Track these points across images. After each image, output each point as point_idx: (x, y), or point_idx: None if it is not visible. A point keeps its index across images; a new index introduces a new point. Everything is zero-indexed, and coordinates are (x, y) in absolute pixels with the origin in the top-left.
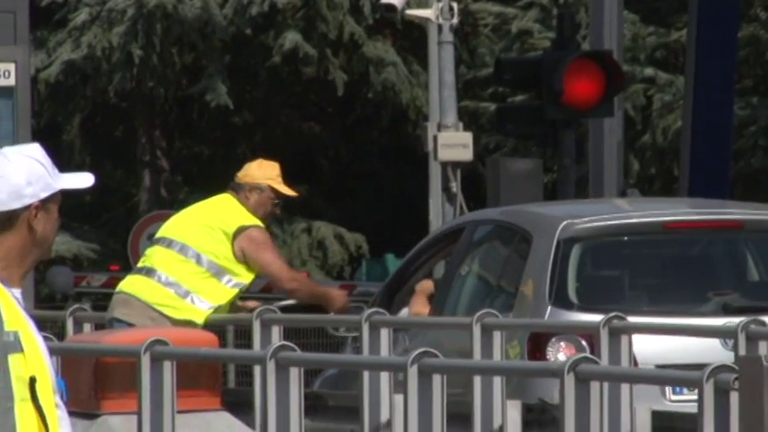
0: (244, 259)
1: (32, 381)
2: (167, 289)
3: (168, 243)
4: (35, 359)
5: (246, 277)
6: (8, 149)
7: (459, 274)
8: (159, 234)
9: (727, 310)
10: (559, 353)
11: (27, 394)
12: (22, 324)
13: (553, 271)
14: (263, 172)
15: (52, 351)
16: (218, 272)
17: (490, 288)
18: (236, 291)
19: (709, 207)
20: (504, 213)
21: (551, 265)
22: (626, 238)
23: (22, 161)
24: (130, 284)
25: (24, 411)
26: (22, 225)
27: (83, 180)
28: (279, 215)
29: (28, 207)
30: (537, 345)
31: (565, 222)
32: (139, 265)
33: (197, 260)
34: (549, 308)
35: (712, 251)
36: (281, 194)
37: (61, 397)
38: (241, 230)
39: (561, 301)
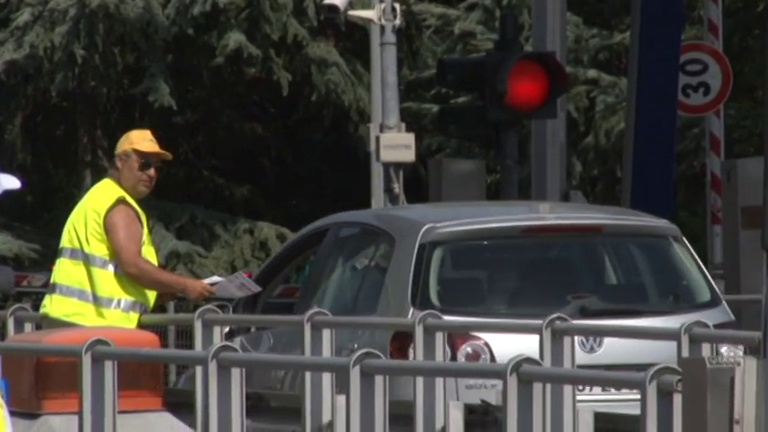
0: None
1: None
2: (70, 298)
3: (61, 252)
4: None
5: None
6: None
7: (324, 275)
8: (59, 246)
9: (584, 313)
10: (462, 357)
11: None
12: None
13: (415, 274)
14: (129, 139)
15: None
16: (102, 262)
17: (354, 289)
18: (125, 277)
19: (570, 211)
20: (368, 216)
21: (413, 268)
22: (486, 242)
23: None
24: (45, 306)
25: None
26: None
27: (6, 182)
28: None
29: None
30: (400, 345)
31: (427, 226)
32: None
33: (84, 259)
34: (411, 309)
35: (572, 255)
36: (146, 154)
37: (2, 397)
38: (107, 214)
39: (423, 303)
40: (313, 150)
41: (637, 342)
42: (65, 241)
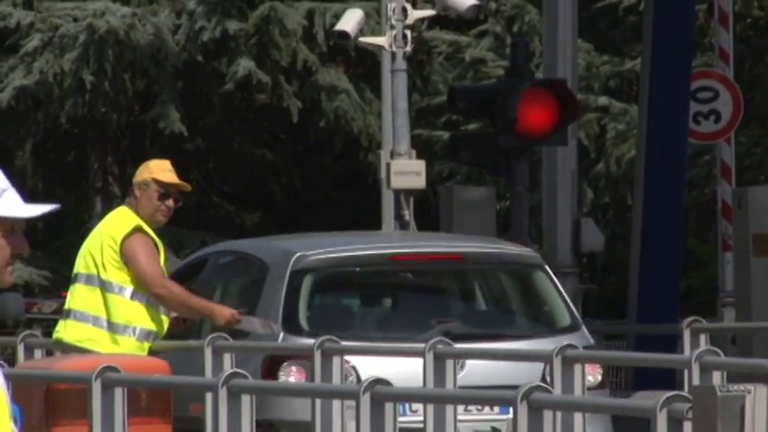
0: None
1: None
2: (84, 324)
3: (76, 278)
4: None
5: (144, 287)
6: None
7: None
8: (73, 272)
9: (448, 337)
10: (290, 376)
11: None
12: None
13: (286, 300)
14: (149, 169)
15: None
16: (119, 289)
17: None
18: (144, 305)
19: (435, 240)
20: (244, 245)
21: (284, 294)
22: (354, 269)
23: None
24: (58, 332)
25: None
26: None
27: (21, 210)
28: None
29: None
30: (270, 367)
31: (297, 254)
32: (63, 308)
33: (100, 284)
34: (282, 334)
35: (437, 282)
36: (165, 185)
37: (15, 423)
38: (124, 240)
39: (293, 327)
40: (323, 177)
41: (498, 364)
42: (80, 267)
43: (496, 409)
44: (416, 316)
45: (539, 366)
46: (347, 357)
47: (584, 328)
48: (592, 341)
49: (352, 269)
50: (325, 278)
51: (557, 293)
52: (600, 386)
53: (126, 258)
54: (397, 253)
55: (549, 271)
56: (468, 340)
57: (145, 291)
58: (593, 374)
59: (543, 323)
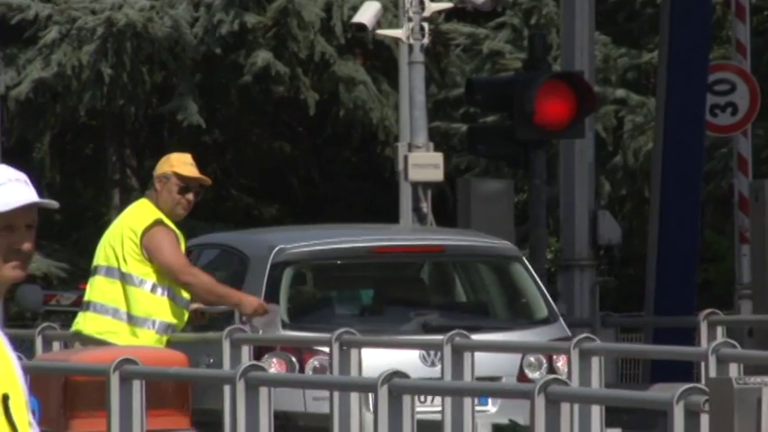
0: (151, 260)
1: (5, 398)
2: (104, 316)
3: (96, 270)
4: (7, 377)
5: (165, 280)
6: None
7: None
8: (92, 264)
9: (426, 329)
10: (271, 368)
11: (0, 411)
12: None
13: (267, 292)
14: (170, 162)
15: (25, 370)
16: (140, 281)
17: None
18: (165, 298)
19: (415, 233)
20: (226, 237)
21: (265, 287)
22: (335, 262)
23: None
24: (78, 323)
25: None
26: None
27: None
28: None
29: None
30: (255, 358)
31: (278, 247)
32: (83, 300)
33: (121, 277)
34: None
35: (417, 274)
36: (186, 179)
37: (33, 415)
38: (145, 232)
39: None
40: (341, 169)
41: (478, 356)
42: (100, 259)
43: (476, 400)
44: (396, 308)
45: (516, 358)
46: (325, 349)
47: (561, 319)
48: (568, 333)
49: (332, 262)
50: (306, 271)
51: (534, 286)
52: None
53: (149, 250)
54: (378, 246)
55: (527, 263)
56: (446, 332)
57: (171, 281)
58: (566, 365)
59: (521, 315)
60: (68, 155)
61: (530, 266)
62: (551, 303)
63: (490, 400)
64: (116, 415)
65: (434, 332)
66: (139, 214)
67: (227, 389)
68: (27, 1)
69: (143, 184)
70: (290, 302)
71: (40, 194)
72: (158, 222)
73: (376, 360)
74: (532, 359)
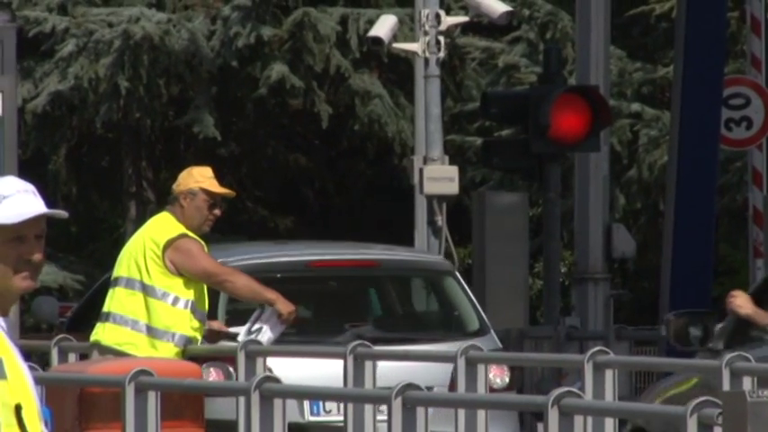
0: (177, 272)
1: (18, 408)
2: (123, 327)
3: (116, 282)
4: (20, 387)
5: (187, 293)
6: None
7: None
8: (112, 276)
9: (360, 340)
10: (210, 377)
11: (13, 421)
12: (6, 351)
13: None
14: (194, 177)
15: (37, 380)
16: (161, 294)
17: None
18: (186, 311)
19: (351, 248)
20: None
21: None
22: (275, 275)
23: None
24: (96, 334)
25: None
26: None
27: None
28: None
29: None
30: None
31: (218, 261)
32: (101, 311)
33: (142, 289)
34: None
35: (352, 287)
36: (214, 194)
37: (46, 425)
38: (169, 244)
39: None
40: (356, 182)
41: (409, 366)
42: (120, 271)
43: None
44: (332, 321)
45: (448, 368)
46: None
47: (492, 332)
48: (499, 344)
49: (271, 275)
50: None
51: (466, 299)
52: (508, 388)
53: (178, 262)
54: (315, 260)
55: (460, 278)
56: (381, 344)
57: (195, 293)
58: (501, 377)
59: (453, 327)
60: (84, 167)
61: (462, 281)
62: (483, 316)
63: (322, 410)
64: (131, 426)
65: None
66: (162, 228)
67: (241, 400)
68: (44, 14)
69: (159, 197)
70: (227, 314)
71: (56, 206)
72: (183, 236)
73: (311, 371)
74: None
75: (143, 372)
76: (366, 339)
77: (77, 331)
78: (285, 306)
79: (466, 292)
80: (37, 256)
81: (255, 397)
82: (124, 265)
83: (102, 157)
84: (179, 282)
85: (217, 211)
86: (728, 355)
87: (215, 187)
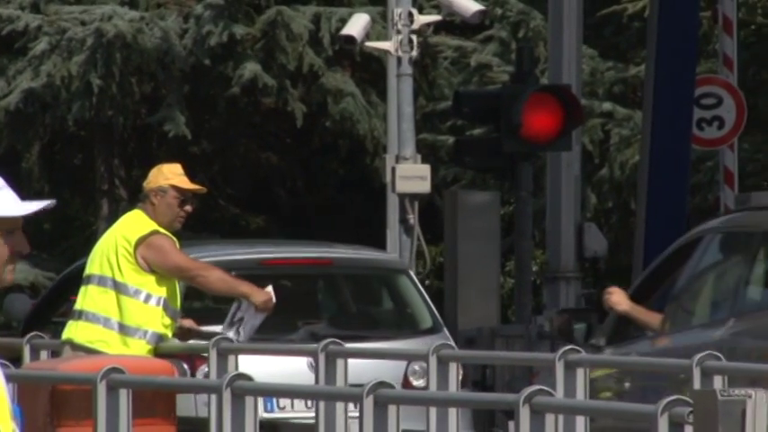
0: (150, 269)
1: None
2: (95, 325)
3: (88, 279)
4: None
5: (159, 290)
6: None
7: None
8: (84, 273)
9: (314, 338)
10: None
11: None
12: None
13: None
14: (164, 174)
15: (8, 378)
16: (134, 291)
17: None
18: (158, 309)
19: (304, 246)
20: None
21: None
22: (230, 273)
23: None
24: (68, 332)
25: None
26: None
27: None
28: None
29: None
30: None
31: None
32: (72, 309)
33: (114, 286)
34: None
35: (306, 285)
36: (184, 191)
37: (15, 422)
38: (140, 241)
39: None
40: (328, 181)
41: (364, 363)
42: (92, 269)
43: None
44: (286, 318)
45: (401, 365)
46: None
47: (445, 329)
48: (452, 343)
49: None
50: None
51: (419, 297)
52: (462, 385)
53: (150, 259)
54: (268, 258)
55: (413, 276)
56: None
57: (167, 290)
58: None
59: (406, 325)
60: (57, 165)
61: (415, 279)
62: (436, 314)
63: (276, 407)
64: (103, 424)
65: (321, 341)
66: (134, 225)
67: (213, 398)
68: (17, 12)
69: (131, 195)
70: (184, 312)
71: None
72: (155, 232)
73: (273, 367)
74: (417, 367)
75: (114, 369)
76: (320, 337)
77: (34, 330)
78: (260, 296)
79: (419, 290)
80: (27, 249)
81: (227, 394)
82: (96, 263)
83: (75, 154)
84: (151, 279)
85: (188, 208)
86: (699, 355)
87: (185, 184)
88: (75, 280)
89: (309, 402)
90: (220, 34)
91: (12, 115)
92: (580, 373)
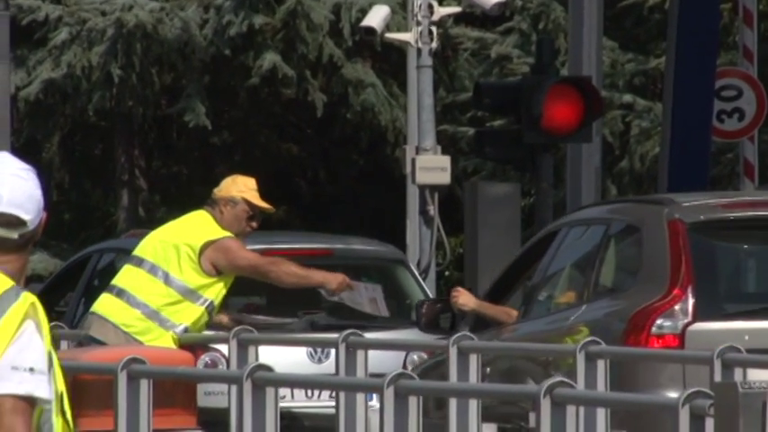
0: (216, 273)
1: (61, 396)
2: (135, 310)
3: (139, 262)
4: (61, 376)
5: (215, 294)
6: (14, 166)
7: (86, 298)
8: (134, 252)
9: (314, 327)
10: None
11: (58, 408)
12: (51, 343)
13: None
14: (237, 186)
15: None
16: (185, 291)
17: None
18: (202, 309)
19: (305, 237)
20: (123, 242)
21: None
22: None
23: (34, 178)
24: (102, 305)
25: (58, 426)
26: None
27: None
28: (255, 230)
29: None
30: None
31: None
32: (112, 283)
33: (165, 280)
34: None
35: None
36: (255, 207)
37: None
38: (208, 245)
39: None
40: (349, 171)
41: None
42: (146, 253)
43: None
44: (286, 308)
45: (400, 355)
46: (216, 346)
47: None
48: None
49: None
50: None
51: (417, 287)
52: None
53: (219, 261)
54: (269, 248)
55: (411, 267)
56: (333, 331)
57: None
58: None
59: (404, 316)
60: (77, 155)
61: (414, 270)
62: None
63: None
64: (123, 414)
65: (321, 331)
66: (201, 228)
67: (233, 389)
68: (37, 2)
69: (151, 185)
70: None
71: (49, 194)
72: (226, 237)
73: (274, 356)
74: (415, 357)
75: (135, 360)
76: (319, 326)
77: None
78: (334, 282)
79: (417, 280)
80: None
81: (248, 385)
82: (150, 249)
83: (95, 145)
84: (210, 281)
85: (254, 224)
86: (720, 347)
87: (257, 200)
88: (79, 271)
89: (309, 392)
90: (240, 24)
91: (32, 105)
92: (601, 364)
